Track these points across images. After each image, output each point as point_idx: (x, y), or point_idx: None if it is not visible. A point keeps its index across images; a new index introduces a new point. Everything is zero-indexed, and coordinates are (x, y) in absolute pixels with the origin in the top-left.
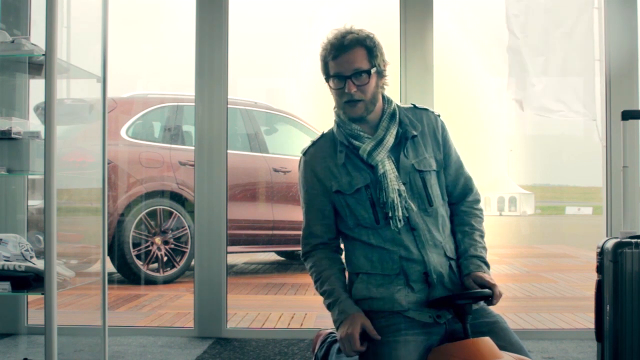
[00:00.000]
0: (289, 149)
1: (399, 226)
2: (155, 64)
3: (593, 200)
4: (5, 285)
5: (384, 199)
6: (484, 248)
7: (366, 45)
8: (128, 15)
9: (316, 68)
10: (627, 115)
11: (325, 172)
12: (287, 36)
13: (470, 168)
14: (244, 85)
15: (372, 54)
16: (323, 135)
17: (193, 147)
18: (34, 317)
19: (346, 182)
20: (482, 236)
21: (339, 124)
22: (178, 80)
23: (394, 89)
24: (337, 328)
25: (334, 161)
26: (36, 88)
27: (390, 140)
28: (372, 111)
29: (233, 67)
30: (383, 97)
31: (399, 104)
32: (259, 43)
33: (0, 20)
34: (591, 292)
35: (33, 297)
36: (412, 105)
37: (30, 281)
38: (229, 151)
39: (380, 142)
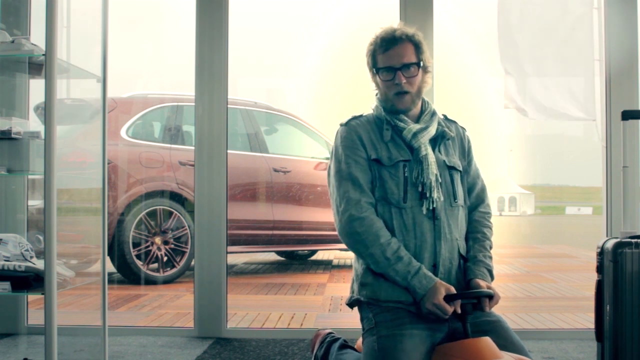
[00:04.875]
0: (289, 149)
1: (430, 207)
2: (155, 64)
3: (593, 200)
4: (5, 285)
5: (423, 179)
6: (491, 257)
7: (414, 41)
8: (128, 15)
9: (316, 68)
10: (627, 115)
11: (368, 140)
12: (287, 36)
13: None
14: (244, 85)
15: (419, 49)
16: (362, 115)
17: (193, 147)
18: (34, 317)
19: (386, 156)
20: (490, 247)
21: (384, 107)
22: (178, 80)
23: None
24: (420, 297)
25: (377, 136)
26: (36, 88)
27: (432, 130)
28: (416, 105)
29: (233, 67)
30: (422, 98)
31: None
32: (259, 42)
33: (0, 20)
34: (591, 292)
35: (33, 297)
36: (443, 116)
37: (30, 281)
38: (229, 151)
39: (425, 128)
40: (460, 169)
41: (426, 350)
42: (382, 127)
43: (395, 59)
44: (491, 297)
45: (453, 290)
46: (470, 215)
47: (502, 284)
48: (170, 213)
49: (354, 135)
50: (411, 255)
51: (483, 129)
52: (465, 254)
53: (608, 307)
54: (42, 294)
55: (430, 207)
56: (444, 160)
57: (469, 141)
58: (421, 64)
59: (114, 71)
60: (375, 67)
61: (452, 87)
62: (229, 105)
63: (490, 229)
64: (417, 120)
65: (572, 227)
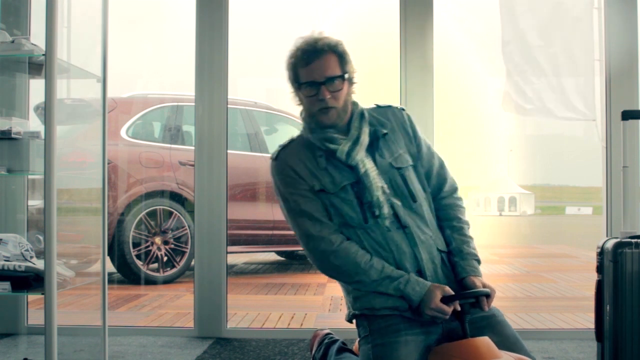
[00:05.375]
0: None
1: (387, 224)
2: (155, 64)
3: (593, 200)
4: (5, 285)
5: (369, 197)
6: (472, 239)
7: (337, 52)
8: (128, 15)
9: None
10: (627, 115)
11: (305, 171)
12: (287, 36)
13: (471, 168)
14: (244, 85)
15: (343, 60)
16: (292, 140)
17: (193, 147)
18: (34, 317)
19: (329, 182)
20: (469, 228)
21: (311, 129)
22: (178, 80)
23: (393, 89)
24: (417, 304)
25: (313, 164)
26: (36, 88)
27: (365, 139)
28: (342, 120)
29: (233, 67)
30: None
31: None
32: (259, 42)
33: (0, 20)
34: (591, 292)
35: (33, 297)
36: (375, 105)
37: (30, 281)
38: (229, 151)
39: (356, 142)
40: (411, 162)
41: (420, 354)
42: (315, 153)
43: (318, 72)
44: (488, 295)
45: (448, 290)
46: (438, 200)
47: (502, 284)
48: (170, 213)
49: (288, 170)
50: (395, 269)
51: (483, 129)
52: (446, 247)
53: (608, 307)
54: (42, 294)
55: (386, 224)
56: (390, 163)
57: (410, 122)
58: (346, 76)
59: (114, 71)
60: (298, 81)
61: (452, 87)
62: (229, 105)
63: (462, 207)
64: (347, 127)
65: (572, 227)
